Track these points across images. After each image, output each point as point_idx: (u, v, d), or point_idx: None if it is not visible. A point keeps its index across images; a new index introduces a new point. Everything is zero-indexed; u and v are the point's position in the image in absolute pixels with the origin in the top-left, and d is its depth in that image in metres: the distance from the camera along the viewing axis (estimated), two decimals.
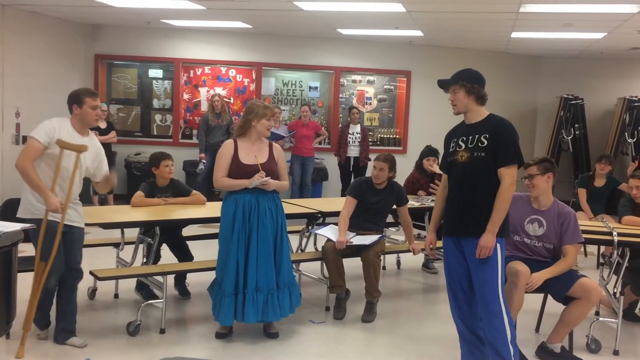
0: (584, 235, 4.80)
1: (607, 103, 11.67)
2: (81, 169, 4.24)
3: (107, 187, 4.61)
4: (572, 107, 11.14)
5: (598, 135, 11.52)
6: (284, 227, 4.60)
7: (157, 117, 11.01)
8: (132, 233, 5.05)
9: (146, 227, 4.95)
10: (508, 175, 3.65)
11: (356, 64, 11.10)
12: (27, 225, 3.79)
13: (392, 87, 11.39)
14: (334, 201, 6.53)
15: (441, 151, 6.91)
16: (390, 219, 6.00)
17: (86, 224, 4.61)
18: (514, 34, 9.09)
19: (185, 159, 10.28)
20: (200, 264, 5.15)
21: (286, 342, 4.59)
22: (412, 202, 6.07)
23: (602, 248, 6.46)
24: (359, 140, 9.88)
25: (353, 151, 9.89)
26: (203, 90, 10.97)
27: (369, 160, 9.62)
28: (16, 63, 8.65)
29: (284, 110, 10.96)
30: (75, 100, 4.21)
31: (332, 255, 5.12)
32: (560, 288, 4.27)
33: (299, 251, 5.81)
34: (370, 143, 10.42)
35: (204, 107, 10.70)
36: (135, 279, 5.29)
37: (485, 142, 3.68)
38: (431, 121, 10.97)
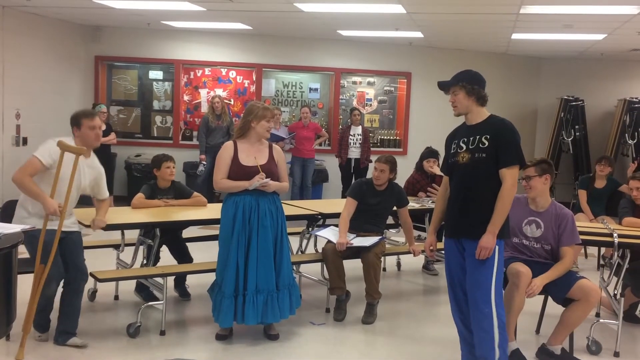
0: (585, 237, 4.81)
1: (607, 104, 11.67)
2: (78, 183, 4.32)
3: (100, 214, 4.58)
4: (572, 108, 11.14)
5: (598, 136, 11.52)
6: (284, 228, 4.60)
7: (158, 119, 11.02)
8: (133, 235, 5.05)
9: (146, 229, 4.95)
10: (509, 176, 3.64)
11: (356, 65, 11.11)
12: (27, 226, 3.81)
13: (393, 89, 11.40)
14: (334, 203, 6.53)
15: (442, 152, 6.94)
16: (390, 220, 6.00)
17: (87, 226, 4.63)
18: (515, 35, 9.10)
19: (185, 160, 10.28)
20: (200, 265, 5.14)
21: (286, 344, 4.59)
22: (412, 204, 6.06)
23: (603, 249, 6.44)
24: (360, 141, 9.87)
25: (354, 153, 9.89)
26: (203, 92, 10.97)
27: (370, 161, 9.61)
28: (16, 65, 8.66)
29: (284, 111, 10.96)
30: (73, 122, 4.31)
31: (333, 257, 5.12)
32: (560, 290, 4.26)
33: (299, 253, 5.81)
34: (371, 144, 10.42)
35: (204, 108, 10.71)
36: (135, 281, 5.28)
37: (486, 143, 3.68)
38: (431, 122, 10.98)
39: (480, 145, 3.69)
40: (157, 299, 4.93)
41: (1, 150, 8.52)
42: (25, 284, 4.07)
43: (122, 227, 4.89)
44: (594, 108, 11.58)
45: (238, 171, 4.42)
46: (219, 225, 4.56)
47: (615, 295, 4.71)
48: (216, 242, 4.61)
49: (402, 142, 11.36)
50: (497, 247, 3.65)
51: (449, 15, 7.79)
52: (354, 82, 11.30)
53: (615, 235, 4.68)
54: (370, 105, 11.37)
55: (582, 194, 7.38)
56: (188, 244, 5.52)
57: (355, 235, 5.32)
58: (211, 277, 4.67)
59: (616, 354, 4.54)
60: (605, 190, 7.34)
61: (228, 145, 4.52)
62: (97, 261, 4.71)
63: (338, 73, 11.07)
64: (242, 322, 4.43)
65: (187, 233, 5.66)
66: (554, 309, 4.56)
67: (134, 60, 10.80)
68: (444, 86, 3.86)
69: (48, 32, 9.44)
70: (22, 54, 8.80)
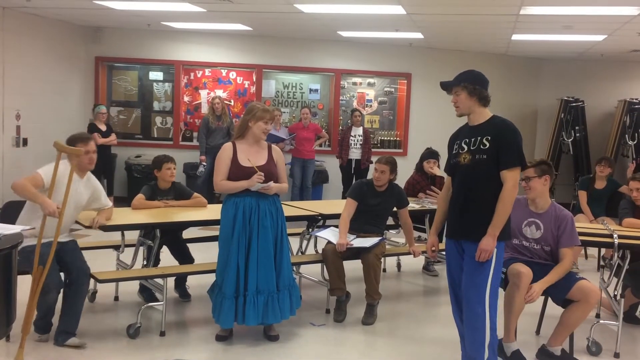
0: (585, 238, 4.81)
1: (607, 105, 11.67)
2: (77, 203, 4.48)
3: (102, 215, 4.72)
4: (572, 109, 11.15)
5: (598, 137, 11.52)
6: (284, 229, 4.60)
7: (158, 120, 11.02)
8: (133, 235, 5.05)
9: (146, 230, 4.95)
10: (510, 178, 3.62)
11: (356, 66, 11.11)
12: (27, 227, 3.83)
13: (393, 90, 11.40)
14: (334, 203, 6.53)
15: (441, 153, 6.97)
16: (390, 221, 6.00)
17: (86, 226, 4.64)
18: (515, 36, 9.10)
19: (185, 161, 10.28)
20: (201, 266, 5.15)
21: (286, 345, 4.59)
22: (413, 205, 6.07)
23: (603, 250, 6.44)
24: (361, 142, 9.86)
25: (355, 153, 9.88)
26: (203, 93, 10.97)
27: (371, 162, 9.61)
28: (17, 65, 8.67)
29: (285, 112, 10.96)
30: (69, 145, 4.38)
31: (333, 258, 5.12)
32: (560, 291, 4.26)
33: (300, 253, 5.81)
34: (372, 145, 10.40)
35: (205, 109, 10.72)
36: (138, 282, 5.28)
37: (487, 145, 3.66)
38: (431, 123, 10.99)
39: (481, 147, 3.68)
40: (157, 300, 4.93)
41: (1, 151, 8.52)
42: (25, 285, 4.07)
43: (122, 228, 4.89)
44: (594, 109, 11.59)
45: (237, 172, 4.42)
46: (219, 226, 4.56)
47: (615, 296, 4.70)
48: (216, 243, 4.61)
49: (402, 143, 11.36)
50: (495, 249, 3.64)
51: (449, 16, 7.80)
52: (354, 83, 11.31)
53: (615, 236, 4.68)
54: (371, 106, 11.37)
55: (582, 195, 7.38)
56: (188, 245, 5.52)
57: (355, 236, 5.32)
58: (211, 278, 4.67)
59: (616, 355, 4.54)
60: (605, 191, 7.34)
61: (227, 147, 4.51)
62: (97, 262, 4.71)
63: (338, 74, 11.08)
64: (242, 323, 4.43)
65: (187, 234, 5.65)
66: (554, 309, 4.56)
67: (134, 61, 10.80)
68: (446, 86, 3.84)
69: (48, 32, 9.45)
70: (22, 55, 8.80)
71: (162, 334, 4.65)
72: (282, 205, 4.67)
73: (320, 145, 10.64)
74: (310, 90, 11.21)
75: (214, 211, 5.15)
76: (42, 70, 9.35)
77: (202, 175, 9.64)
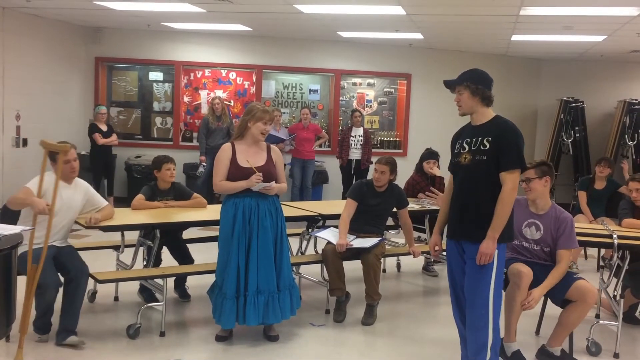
0: (585, 238, 4.82)
1: (607, 106, 11.67)
2: (71, 210, 4.58)
3: (111, 215, 4.82)
4: (572, 109, 11.15)
5: (598, 138, 11.52)
6: (283, 229, 4.60)
7: (158, 120, 11.02)
8: (133, 236, 5.05)
9: (146, 230, 4.95)
10: (510, 180, 3.59)
11: (356, 66, 11.11)
12: (27, 227, 3.84)
13: (393, 90, 11.40)
14: (334, 204, 6.53)
15: (441, 154, 6.98)
16: (390, 221, 6.00)
17: (86, 227, 4.65)
18: (514, 37, 9.10)
19: (185, 161, 10.29)
20: (200, 266, 5.15)
21: (286, 345, 4.59)
22: (412, 205, 6.07)
23: (603, 251, 6.44)
24: (361, 143, 9.85)
25: (355, 154, 9.87)
26: (203, 93, 10.98)
27: (371, 163, 9.60)
28: (17, 66, 8.67)
29: (285, 113, 10.96)
30: (49, 156, 4.45)
31: (332, 258, 5.12)
32: (558, 291, 4.27)
33: (299, 254, 5.81)
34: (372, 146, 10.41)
35: (205, 109, 10.72)
36: (139, 282, 5.28)
37: (488, 146, 3.64)
38: (431, 124, 11.00)
39: (482, 148, 3.66)
40: (157, 300, 4.93)
41: (1, 151, 8.51)
42: (24, 285, 4.07)
43: (122, 228, 4.89)
44: (594, 109, 11.59)
45: (237, 173, 4.42)
46: (218, 227, 4.56)
47: (615, 296, 4.71)
48: (216, 244, 4.61)
49: (402, 144, 11.36)
50: (496, 251, 3.62)
51: (448, 16, 7.80)
52: (354, 84, 11.31)
53: (615, 236, 4.69)
54: (370, 106, 11.37)
55: (582, 195, 7.38)
56: (188, 245, 5.52)
57: (355, 236, 5.32)
58: (211, 278, 4.67)
59: (616, 355, 4.54)
60: (605, 191, 7.35)
61: (226, 148, 4.51)
62: (97, 262, 4.72)
63: (338, 74, 11.08)
64: (243, 323, 4.43)
65: (187, 234, 5.65)
66: (554, 310, 4.56)
67: (134, 61, 10.80)
68: (449, 85, 3.81)
69: (48, 33, 9.45)
70: (22, 55, 8.80)
71: (162, 334, 4.65)
72: (282, 206, 4.67)
73: (320, 146, 10.64)
74: (310, 90, 11.22)
75: (213, 211, 5.15)
76: (42, 71, 9.35)
77: (202, 175, 9.64)
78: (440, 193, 6.41)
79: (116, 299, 5.45)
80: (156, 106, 11.01)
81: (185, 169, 10.28)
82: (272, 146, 4.68)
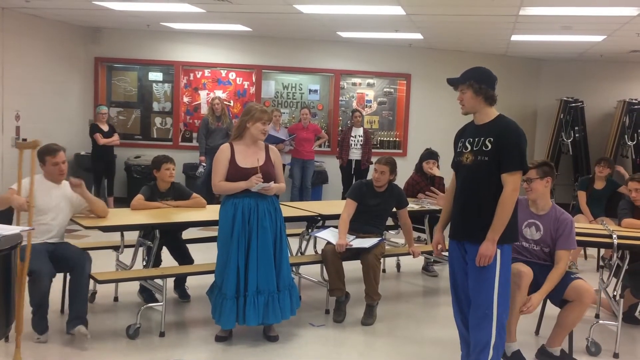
0: (584, 238, 4.82)
1: (607, 106, 11.68)
2: (65, 209, 4.69)
3: (103, 210, 4.87)
4: (572, 109, 11.15)
5: (598, 137, 11.52)
6: (283, 229, 4.60)
7: (157, 120, 11.02)
8: (132, 236, 5.05)
9: (146, 230, 4.95)
10: (511, 182, 3.57)
11: (356, 66, 11.11)
12: (27, 228, 3.85)
13: (392, 90, 11.40)
14: (334, 204, 6.53)
15: (441, 154, 6.98)
16: (390, 221, 6.00)
17: (86, 227, 4.65)
18: (514, 37, 9.10)
19: (185, 162, 10.28)
20: (200, 267, 5.15)
21: (286, 345, 4.59)
22: (412, 205, 6.07)
23: (602, 251, 6.45)
24: (362, 143, 9.85)
25: (355, 154, 9.86)
26: (203, 93, 10.97)
27: (371, 163, 9.59)
28: (16, 66, 8.66)
29: (284, 113, 10.96)
30: (38, 158, 4.61)
31: (332, 258, 5.12)
32: (556, 292, 4.26)
33: (299, 254, 5.81)
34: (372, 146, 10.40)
35: (204, 110, 10.71)
36: (138, 282, 5.28)
37: (489, 146, 3.61)
38: (431, 124, 11.01)
39: (484, 148, 3.63)
40: (156, 301, 4.93)
41: (1, 152, 8.51)
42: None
43: (122, 228, 4.89)
44: (594, 109, 11.59)
45: (236, 173, 4.41)
46: (217, 227, 4.56)
47: (614, 296, 4.71)
48: (216, 244, 4.60)
49: (401, 144, 11.36)
50: (498, 251, 3.61)
51: (448, 16, 7.80)
52: (354, 84, 11.31)
53: (614, 236, 4.68)
54: (370, 106, 11.37)
55: (582, 195, 7.39)
56: (188, 245, 5.52)
57: (354, 236, 5.32)
58: (211, 279, 4.67)
59: (615, 355, 4.54)
60: (604, 191, 7.35)
61: (224, 148, 4.51)
62: (96, 262, 4.72)
63: (338, 74, 11.08)
64: (243, 323, 4.43)
65: (186, 234, 5.65)
66: (554, 310, 4.56)
67: (134, 61, 10.80)
68: (452, 83, 3.77)
69: (48, 33, 9.44)
70: (21, 55, 8.80)
71: (162, 334, 4.65)
72: (282, 206, 4.67)
73: (320, 146, 10.64)
74: (310, 90, 11.22)
75: (213, 212, 5.15)
76: (42, 71, 9.34)
77: (202, 175, 9.64)
78: (440, 193, 6.41)
79: (116, 299, 5.45)
80: (156, 106, 11.01)
81: (184, 169, 10.28)
82: (271, 146, 4.68)
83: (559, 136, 11.18)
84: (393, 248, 6.42)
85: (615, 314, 4.73)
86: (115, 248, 5.22)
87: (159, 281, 4.75)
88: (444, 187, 6.58)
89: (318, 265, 5.49)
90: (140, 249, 5.11)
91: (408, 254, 5.67)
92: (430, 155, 6.88)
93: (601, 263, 5.88)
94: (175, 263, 5.44)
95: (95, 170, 9.48)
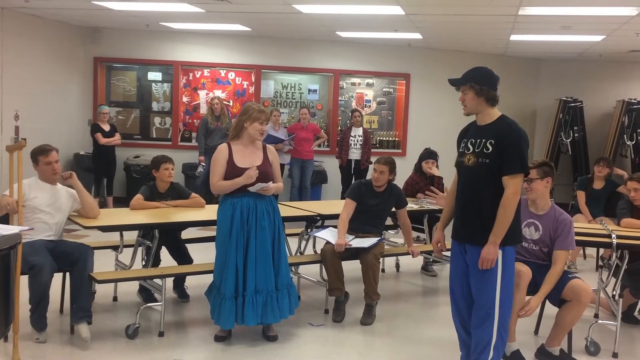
0: (584, 238, 4.82)
1: (606, 105, 11.68)
2: (62, 210, 4.71)
3: (92, 209, 4.86)
4: (571, 109, 11.15)
5: (597, 137, 11.53)
6: (281, 228, 4.61)
7: (157, 120, 11.02)
8: (131, 236, 5.05)
9: (145, 230, 4.96)
10: (512, 184, 3.55)
11: (355, 66, 11.11)
12: (26, 228, 3.87)
13: (391, 90, 11.40)
14: (333, 204, 6.53)
15: (440, 154, 6.98)
16: (389, 221, 6.00)
17: (85, 227, 4.65)
18: (513, 37, 9.10)
19: (184, 161, 10.28)
20: (199, 266, 5.15)
21: (285, 345, 4.59)
22: (411, 205, 6.07)
23: (601, 250, 6.45)
24: (361, 143, 9.85)
25: (354, 154, 9.86)
26: (202, 93, 10.97)
27: (370, 163, 9.58)
28: (15, 66, 8.66)
29: (283, 113, 10.95)
30: (32, 159, 4.65)
31: (331, 258, 5.12)
32: (554, 291, 4.26)
33: (298, 254, 5.81)
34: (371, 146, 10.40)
35: (203, 109, 10.71)
36: (138, 282, 5.28)
37: (490, 149, 3.59)
38: (430, 124, 11.01)
39: (485, 151, 3.61)
40: (156, 300, 4.93)
41: (0, 152, 8.50)
42: (23, 285, 4.08)
43: (121, 228, 4.89)
44: (593, 109, 11.59)
45: (234, 173, 4.41)
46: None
47: (613, 296, 4.71)
48: (215, 244, 4.61)
49: (401, 144, 11.36)
50: (500, 252, 3.60)
51: (447, 16, 7.80)
52: (353, 84, 11.31)
53: (613, 236, 4.69)
54: (369, 106, 11.37)
55: (581, 195, 7.39)
56: (187, 245, 5.52)
57: (354, 236, 5.32)
58: (210, 278, 4.67)
59: (615, 355, 4.55)
60: (603, 191, 7.35)
61: (222, 148, 4.51)
62: (96, 262, 4.71)
63: (337, 74, 11.08)
64: (242, 323, 4.43)
65: (186, 234, 5.66)
66: (553, 309, 4.55)
67: (133, 61, 10.80)
68: (454, 84, 3.76)
69: (47, 33, 9.44)
70: (21, 55, 8.79)
71: (161, 334, 4.65)
72: (281, 206, 4.68)
73: (319, 146, 10.64)
74: (309, 90, 11.22)
75: (212, 211, 5.14)
76: (41, 71, 9.34)
77: (201, 175, 9.64)
78: (439, 192, 6.41)
79: (115, 299, 5.45)
80: (155, 106, 11.01)
81: (184, 169, 10.28)
82: (268, 146, 4.69)
83: (558, 136, 11.18)
84: (392, 248, 6.42)
85: (615, 314, 4.73)
86: (115, 248, 5.21)
87: (158, 281, 4.75)
88: (443, 187, 6.58)
89: (317, 265, 5.49)
90: (140, 249, 5.11)
91: (407, 253, 5.67)
92: (429, 155, 6.88)
93: (600, 263, 5.90)
94: (175, 263, 5.45)
95: (96, 169, 9.48)
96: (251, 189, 4.40)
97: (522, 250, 4.43)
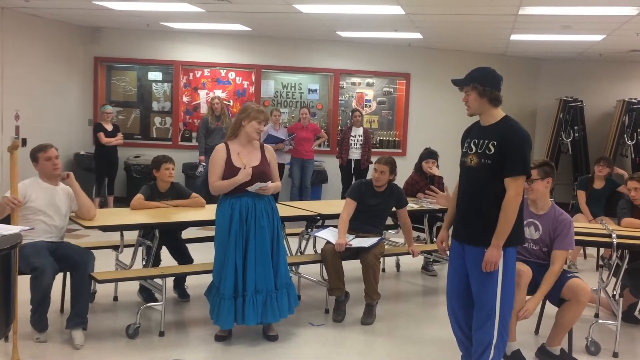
0: (584, 238, 4.82)
1: (606, 105, 11.68)
2: (61, 210, 4.68)
3: (88, 210, 4.82)
4: (571, 109, 11.15)
5: (597, 137, 11.52)
6: (279, 228, 4.61)
7: (157, 120, 11.02)
8: (132, 236, 5.05)
9: (145, 230, 4.96)
10: (513, 186, 3.54)
11: (355, 66, 11.11)
12: (26, 227, 3.87)
13: (392, 90, 11.39)
14: (333, 203, 6.53)
15: (440, 153, 6.98)
16: (389, 221, 6.00)
17: (85, 227, 4.65)
18: (513, 36, 9.10)
19: (184, 161, 10.28)
20: (199, 266, 5.15)
21: (285, 345, 4.59)
22: (411, 205, 6.07)
23: (602, 250, 6.45)
24: (361, 142, 9.84)
25: (355, 154, 9.85)
26: (202, 93, 10.97)
27: (371, 163, 9.58)
28: (16, 66, 8.66)
29: (284, 112, 10.95)
30: (31, 158, 4.65)
31: (332, 258, 5.12)
32: (553, 291, 4.27)
33: (299, 254, 5.81)
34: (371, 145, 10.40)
35: (204, 109, 10.71)
36: (138, 282, 5.28)
37: (493, 150, 3.58)
38: (431, 123, 11.01)
39: (487, 152, 3.60)
40: (156, 300, 4.93)
41: (0, 152, 8.51)
42: (23, 285, 4.07)
43: (121, 228, 4.90)
44: (593, 109, 11.59)
45: (232, 173, 4.41)
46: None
47: (614, 295, 4.71)
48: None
49: (401, 143, 11.36)
50: (502, 253, 3.59)
51: (447, 16, 7.80)
52: (353, 83, 11.30)
53: (614, 236, 4.69)
54: (370, 106, 11.37)
55: (581, 195, 7.39)
56: (187, 245, 5.52)
57: (354, 236, 5.32)
58: (211, 278, 4.67)
59: (615, 355, 4.55)
60: (604, 190, 7.35)
61: (220, 148, 4.51)
62: (96, 262, 4.71)
63: (337, 74, 11.08)
64: (242, 323, 4.43)
65: (186, 234, 5.66)
66: (553, 309, 4.56)
67: (133, 61, 10.80)
68: (457, 84, 3.75)
69: (47, 33, 9.44)
70: (21, 55, 8.79)
71: (161, 334, 4.65)
72: (282, 206, 4.68)
73: (320, 146, 10.63)
74: (309, 90, 11.21)
75: (212, 211, 5.12)
76: (41, 71, 9.34)
77: (201, 175, 9.64)
78: (440, 192, 6.40)
79: (115, 298, 5.45)
80: (155, 106, 11.01)
81: (184, 169, 10.28)
82: (266, 145, 4.69)
83: (559, 136, 11.18)
84: (392, 247, 6.42)
85: (615, 314, 4.73)
86: (115, 248, 5.22)
87: (158, 281, 4.75)
88: (443, 187, 6.58)
89: (317, 265, 5.49)
90: (140, 249, 5.11)
91: (407, 253, 5.68)
92: (429, 154, 6.88)
93: (600, 262, 5.89)
94: (175, 263, 5.45)
95: (98, 169, 9.48)
96: (250, 188, 4.40)
97: (522, 249, 4.42)
